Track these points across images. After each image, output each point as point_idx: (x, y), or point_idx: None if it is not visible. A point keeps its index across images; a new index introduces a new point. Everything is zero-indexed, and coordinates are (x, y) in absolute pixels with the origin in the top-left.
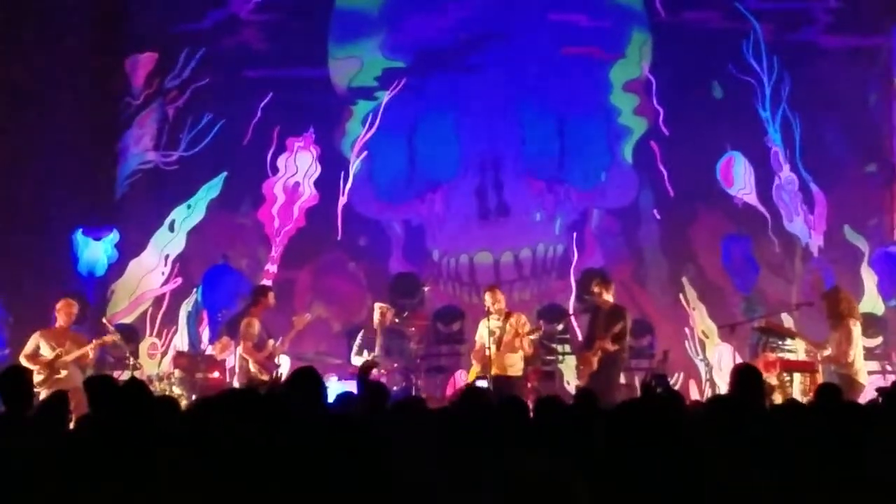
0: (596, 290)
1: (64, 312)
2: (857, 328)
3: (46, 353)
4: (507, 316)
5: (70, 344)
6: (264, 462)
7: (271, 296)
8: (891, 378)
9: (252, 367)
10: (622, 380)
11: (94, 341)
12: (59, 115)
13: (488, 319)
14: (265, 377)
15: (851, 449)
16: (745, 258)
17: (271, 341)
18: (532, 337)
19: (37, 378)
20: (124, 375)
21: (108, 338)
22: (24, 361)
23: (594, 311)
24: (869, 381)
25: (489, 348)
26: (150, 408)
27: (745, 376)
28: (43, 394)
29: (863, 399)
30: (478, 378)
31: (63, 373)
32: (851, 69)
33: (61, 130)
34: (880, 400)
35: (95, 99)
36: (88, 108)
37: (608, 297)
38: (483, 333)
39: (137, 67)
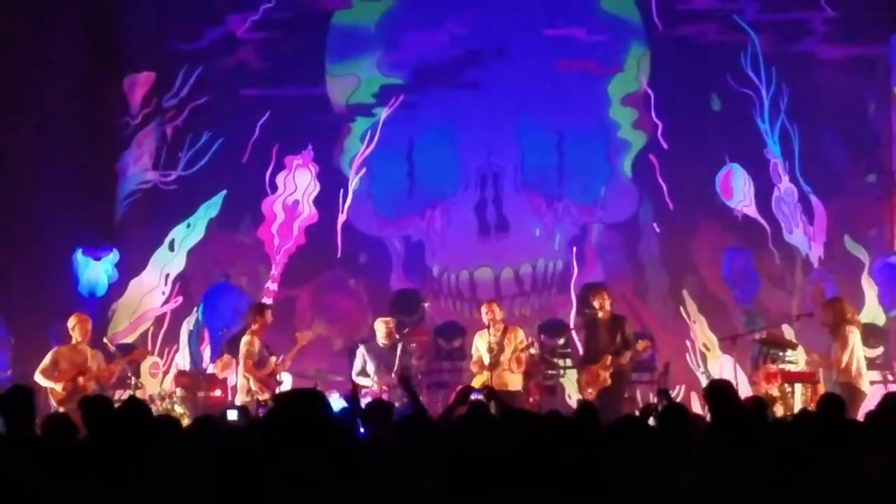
0: (596, 302)
1: (79, 329)
2: (854, 335)
3: (64, 367)
4: (505, 331)
5: (91, 361)
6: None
7: (269, 313)
8: (893, 388)
9: (253, 386)
10: (626, 394)
11: (124, 358)
12: (57, 135)
13: (488, 333)
14: (266, 395)
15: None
16: (745, 270)
17: (273, 358)
18: (531, 352)
19: (60, 395)
20: (126, 395)
21: (137, 354)
22: (39, 378)
23: (592, 324)
24: (871, 391)
25: (490, 364)
26: (148, 428)
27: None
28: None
29: (865, 408)
30: (474, 391)
31: (88, 391)
32: (850, 79)
33: (60, 151)
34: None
35: (94, 119)
36: (87, 128)
37: (607, 308)
38: (480, 347)
39: (135, 87)
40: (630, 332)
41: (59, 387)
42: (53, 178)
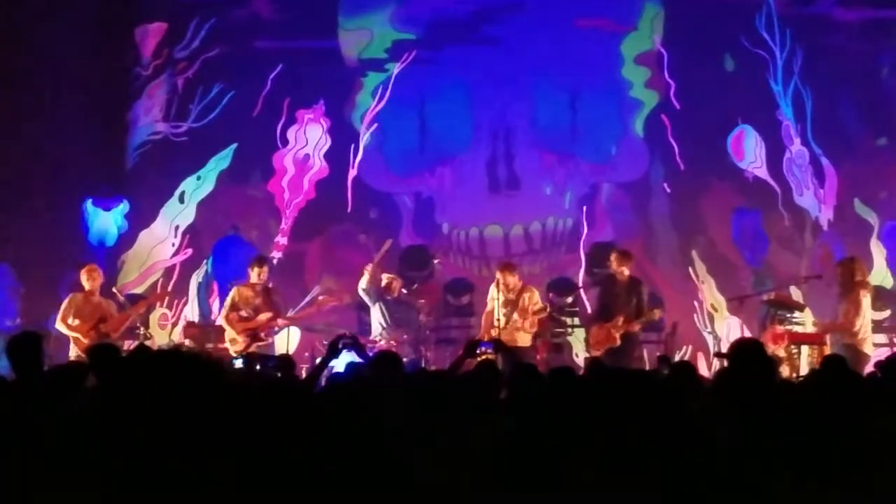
0: (613, 261)
1: (91, 278)
2: (866, 299)
3: (84, 314)
4: (522, 290)
5: (106, 309)
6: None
7: (259, 268)
8: None
9: (228, 335)
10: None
11: (142, 302)
12: (69, 85)
13: (499, 291)
14: (238, 347)
15: (853, 422)
16: (754, 232)
17: (264, 315)
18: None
19: (84, 343)
20: (134, 345)
21: (155, 297)
22: (60, 326)
23: (608, 283)
24: (876, 354)
25: (498, 320)
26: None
27: (744, 352)
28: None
29: (868, 369)
30: (482, 343)
31: (112, 338)
32: (864, 42)
33: (71, 101)
34: (879, 374)
35: (105, 69)
36: (98, 78)
37: (625, 270)
38: (496, 297)
39: (147, 37)
40: (646, 298)
41: (82, 336)
42: (64, 127)
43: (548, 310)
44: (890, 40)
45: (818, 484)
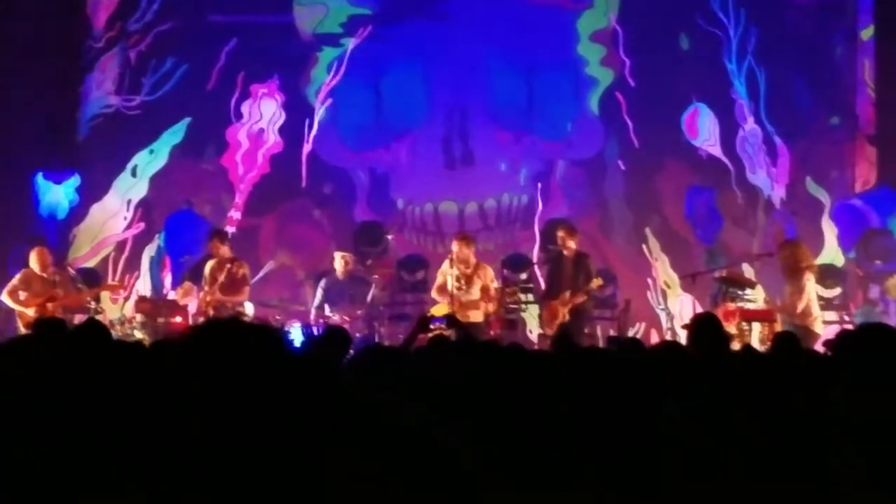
0: (560, 236)
1: (38, 261)
2: (810, 282)
3: (36, 290)
4: (476, 267)
5: (59, 286)
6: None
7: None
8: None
9: None
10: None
11: (94, 288)
12: (19, 57)
13: (455, 267)
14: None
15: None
16: (708, 209)
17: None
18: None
19: (29, 318)
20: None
21: (112, 284)
22: (6, 298)
23: (557, 260)
24: (827, 332)
25: (451, 293)
26: (108, 350)
27: (703, 326)
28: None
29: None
30: (435, 319)
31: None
32: (818, 22)
33: (22, 73)
34: (828, 353)
35: (57, 41)
36: (50, 50)
37: (572, 244)
38: (447, 273)
39: (99, 9)
40: (593, 271)
41: (30, 310)
42: (15, 100)
43: (518, 294)
44: (843, 21)
45: (775, 465)
